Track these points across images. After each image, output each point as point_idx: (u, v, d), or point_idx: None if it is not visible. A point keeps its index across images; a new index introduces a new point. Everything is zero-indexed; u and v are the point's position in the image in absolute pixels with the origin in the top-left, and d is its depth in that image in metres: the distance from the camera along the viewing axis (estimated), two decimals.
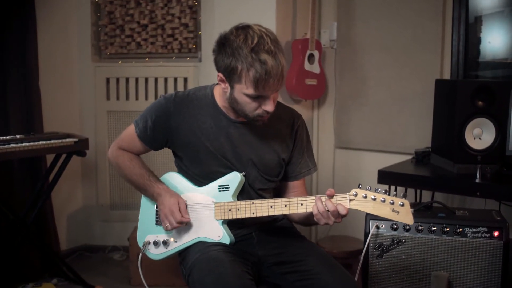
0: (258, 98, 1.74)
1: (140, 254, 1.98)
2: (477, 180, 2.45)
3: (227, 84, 1.77)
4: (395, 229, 2.26)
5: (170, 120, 1.91)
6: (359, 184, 1.70)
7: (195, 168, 1.93)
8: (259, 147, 1.92)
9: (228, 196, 1.87)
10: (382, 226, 2.27)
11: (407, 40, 3.27)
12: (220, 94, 1.91)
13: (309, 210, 1.74)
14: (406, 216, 1.64)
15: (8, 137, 2.87)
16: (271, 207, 1.80)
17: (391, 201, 1.64)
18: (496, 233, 2.16)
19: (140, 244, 1.99)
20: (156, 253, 1.97)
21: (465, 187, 2.48)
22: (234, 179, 1.88)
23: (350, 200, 1.69)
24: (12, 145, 2.77)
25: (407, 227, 2.24)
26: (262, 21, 3.45)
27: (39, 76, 3.36)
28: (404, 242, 2.25)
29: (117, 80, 3.78)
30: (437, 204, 2.40)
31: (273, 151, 1.94)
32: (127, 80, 3.77)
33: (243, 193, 1.91)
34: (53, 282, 3.27)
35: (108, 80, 3.78)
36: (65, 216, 3.80)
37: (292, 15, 3.49)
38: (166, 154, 3.48)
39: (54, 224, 3.51)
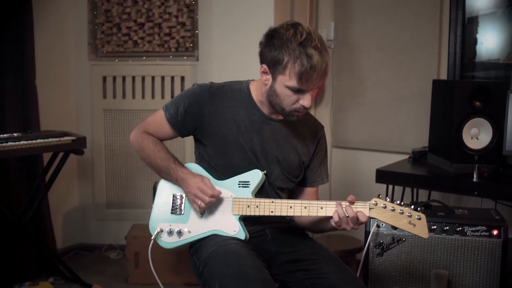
0: (298, 92, 1.77)
1: (151, 242, 1.97)
2: (474, 180, 2.48)
3: (269, 76, 1.81)
4: (395, 228, 2.27)
5: (203, 108, 1.92)
6: (379, 194, 1.76)
7: (219, 159, 1.94)
8: (285, 145, 1.95)
9: (248, 192, 1.88)
10: (382, 225, 2.29)
11: (405, 41, 3.30)
12: (256, 89, 1.93)
13: (329, 214, 1.77)
14: (422, 229, 1.69)
15: (5, 135, 2.85)
16: (291, 207, 1.82)
17: (409, 214, 1.70)
18: (495, 232, 2.18)
19: (152, 232, 1.98)
20: (168, 241, 1.96)
21: (463, 186, 2.51)
22: (255, 176, 1.89)
23: (370, 208, 1.73)
24: (10, 143, 2.75)
25: None
26: (260, 20, 3.50)
27: (35, 75, 3.34)
28: (404, 240, 2.27)
29: (114, 78, 3.77)
30: (436, 203, 2.43)
31: (296, 152, 1.97)
32: (123, 78, 3.76)
33: (261, 192, 1.93)
34: (50, 281, 3.26)
35: (104, 79, 3.77)
36: (61, 215, 3.79)
37: (289, 14, 3.50)
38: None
39: (50, 222, 3.50)
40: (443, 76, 3.21)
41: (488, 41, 3.13)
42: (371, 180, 2.86)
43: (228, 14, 3.52)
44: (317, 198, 2.09)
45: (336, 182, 3.69)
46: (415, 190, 3.02)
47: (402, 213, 1.70)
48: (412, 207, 1.72)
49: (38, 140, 2.90)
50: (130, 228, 3.42)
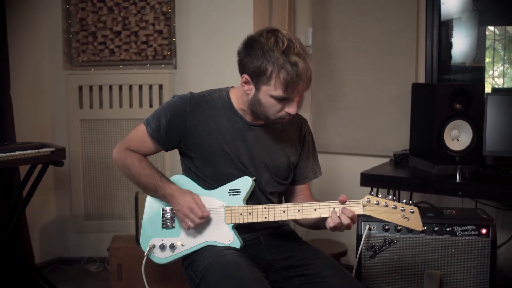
0: (283, 100, 1.76)
1: (144, 259, 1.94)
2: (457, 180, 2.54)
3: (251, 86, 1.79)
4: (387, 230, 2.31)
5: (186, 120, 1.89)
6: (371, 192, 1.77)
7: (207, 170, 1.91)
8: (272, 150, 1.94)
9: (239, 200, 1.86)
10: (374, 227, 2.31)
11: (383, 45, 3.35)
12: (236, 97, 1.91)
13: (323, 215, 1.78)
14: (416, 222, 1.72)
15: None
16: (284, 211, 1.82)
17: (402, 208, 1.73)
18: (484, 231, 2.24)
19: (144, 248, 1.94)
20: (161, 257, 1.93)
21: (447, 187, 2.56)
22: (245, 183, 1.87)
23: (364, 206, 1.75)
24: None
25: (399, 227, 2.29)
26: (238, 27, 3.48)
27: (10, 85, 3.26)
28: (396, 242, 2.30)
29: (90, 88, 3.70)
30: (425, 204, 2.46)
31: (284, 154, 1.96)
32: (100, 88, 3.70)
33: (252, 198, 1.91)
34: None
35: (80, 88, 3.70)
36: (38, 228, 3.69)
37: (268, 21, 3.51)
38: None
39: (28, 236, 3.40)
40: (421, 79, 3.27)
41: (457, 45, 3.22)
42: (353, 184, 2.89)
43: (206, 21, 3.50)
44: (310, 193, 2.09)
45: (318, 187, 3.69)
46: (397, 192, 3.06)
47: (395, 208, 1.73)
48: (404, 201, 1.75)
49: (16, 152, 2.81)
50: (111, 240, 3.35)
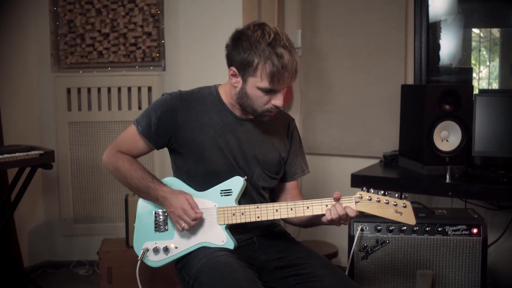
0: (270, 92, 1.78)
1: (139, 262, 1.92)
2: (447, 181, 2.55)
3: (239, 78, 1.81)
4: (379, 231, 2.32)
5: (176, 115, 1.89)
6: (363, 187, 1.76)
7: (199, 166, 1.91)
8: (263, 144, 1.95)
9: (231, 200, 1.86)
10: (366, 228, 2.32)
11: (372, 47, 3.37)
12: (225, 92, 1.93)
13: (316, 213, 1.79)
14: (408, 217, 1.72)
15: None
16: (277, 210, 1.82)
17: (394, 203, 1.72)
18: (475, 230, 2.26)
19: (138, 252, 1.93)
20: (155, 260, 1.92)
21: (437, 187, 2.57)
22: (237, 183, 1.88)
23: (356, 202, 1.75)
24: None
25: (391, 227, 2.31)
26: (227, 29, 3.46)
27: None
28: (388, 242, 2.31)
29: (79, 90, 3.68)
30: (416, 205, 2.48)
31: (275, 149, 1.98)
32: (89, 90, 3.69)
33: (244, 195, 1.91)
34: None
35: (69, 91, 3.68)
36: (27, 232, 3.66)
37: None
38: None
39: (16, 240, 3.37)
40: (410, 81, 3.29)
41: (444, 47, 3.25)
42: (343, 185, 2.88)
43: (194, 23, 3.50)
44: (299, 192, 2.10)
45: (308, 188, 3.71)
46: (387, 193, 3.07)
47: (388, 203, 1.73)
48: (396, 195, 1.74)
49: (5, 155, 2.79)
50: (101, 243, 3.34)
